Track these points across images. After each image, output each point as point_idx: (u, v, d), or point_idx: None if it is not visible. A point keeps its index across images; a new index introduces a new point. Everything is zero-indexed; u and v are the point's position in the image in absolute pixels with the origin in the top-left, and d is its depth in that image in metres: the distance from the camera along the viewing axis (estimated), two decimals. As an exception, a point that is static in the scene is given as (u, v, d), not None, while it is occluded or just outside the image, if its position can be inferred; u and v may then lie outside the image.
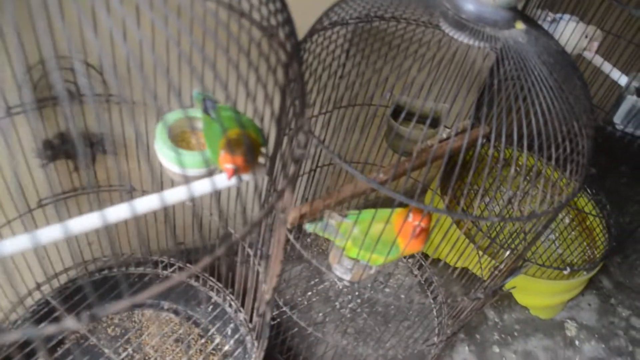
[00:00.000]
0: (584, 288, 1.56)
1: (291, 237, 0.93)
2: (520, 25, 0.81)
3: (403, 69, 0.85)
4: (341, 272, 0.90)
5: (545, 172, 0.84)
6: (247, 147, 0.70)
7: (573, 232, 1.53)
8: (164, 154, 0.80)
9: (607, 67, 1.20)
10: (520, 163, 1.49)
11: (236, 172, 0.70)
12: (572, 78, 0.85)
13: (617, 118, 1.13)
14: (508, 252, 1.39)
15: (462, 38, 0.80)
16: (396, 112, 1.17)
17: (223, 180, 0.75)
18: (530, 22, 0.88)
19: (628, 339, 1.54)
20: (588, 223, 1.56)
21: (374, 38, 0.96)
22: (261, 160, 0.82)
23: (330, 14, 0.92)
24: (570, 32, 1.15)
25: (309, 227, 0.90)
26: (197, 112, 0.85)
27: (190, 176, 0.81)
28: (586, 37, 1.15)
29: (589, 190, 1.56)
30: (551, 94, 0.77)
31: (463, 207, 1.44)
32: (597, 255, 1.46)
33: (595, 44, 1.17)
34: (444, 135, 1.12)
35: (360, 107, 1.20)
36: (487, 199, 1.49)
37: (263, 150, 0.81)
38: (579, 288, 1.48)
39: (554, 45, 0.89)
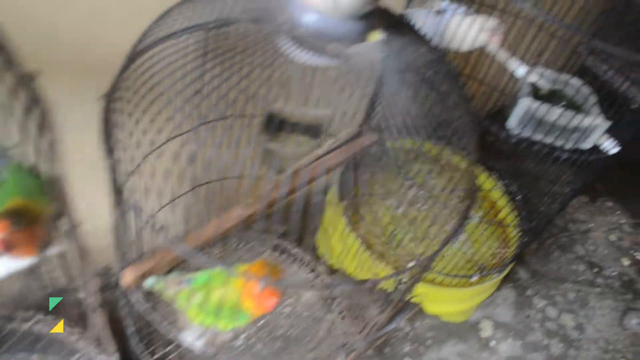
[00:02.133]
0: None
1: (135, 297, 0.78)
2: (375, 36, 0.66)
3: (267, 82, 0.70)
4: (192, 338, 0.75)
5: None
6: (15, 220, 0.59)
7: (484, 232, 1.43)
8: None
9: (503, 55, 1.06)
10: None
11: (11, 248, 0.59)
12: (446, 97, 0.72)
13: (512, 123, 1.00)
14: (413, 262, 1.28)
15: (302, 56, 0.64)
16: (270, 123, 1.01)
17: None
18: (397, 25, 0.73)
19: (544, 332, 1.48)
20: (502, 217, 1.46)
21: (227, 53, 0.79)
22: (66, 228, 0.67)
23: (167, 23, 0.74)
24: (457, 27, 1.00)
25: (149, 284, 0.75)
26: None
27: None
28: (486, 30, 1.01)
29: (501, 181, 1.47)
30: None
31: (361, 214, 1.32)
32: (509, 254, 1.37)
33: (498, 37, 1.03)
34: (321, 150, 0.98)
35: (232, 118, 1.04)
36: (388, 202, 1.38)
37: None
38: (492, 289, 1.40)
39: (427, 54, 0.75)
